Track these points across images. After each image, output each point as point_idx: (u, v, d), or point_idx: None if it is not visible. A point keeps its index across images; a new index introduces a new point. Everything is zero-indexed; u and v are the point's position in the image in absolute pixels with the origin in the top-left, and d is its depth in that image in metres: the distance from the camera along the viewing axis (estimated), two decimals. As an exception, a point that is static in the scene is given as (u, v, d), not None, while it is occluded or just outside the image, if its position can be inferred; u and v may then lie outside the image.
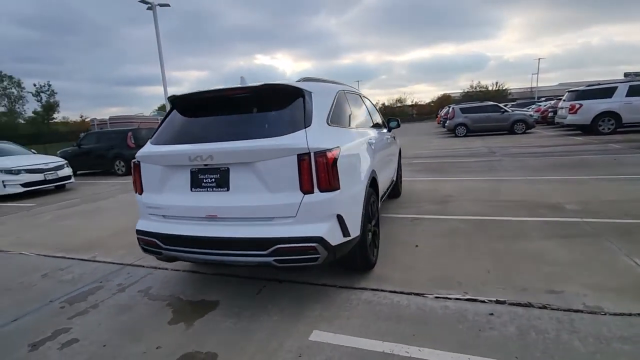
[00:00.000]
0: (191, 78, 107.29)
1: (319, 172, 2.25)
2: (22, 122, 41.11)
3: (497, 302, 2.45)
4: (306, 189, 2.25)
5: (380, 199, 3.58)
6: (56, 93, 40.73)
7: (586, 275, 2.75)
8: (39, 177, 8.13)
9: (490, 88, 52.82)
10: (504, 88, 52.57)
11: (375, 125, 4.59)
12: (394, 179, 5.16)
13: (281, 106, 2.46)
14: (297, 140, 2.24)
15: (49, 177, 8.33)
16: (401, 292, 2.68)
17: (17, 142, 10.39)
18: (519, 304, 2.40)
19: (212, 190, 2.42)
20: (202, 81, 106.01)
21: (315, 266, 2.34)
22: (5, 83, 38.76)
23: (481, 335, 2.11)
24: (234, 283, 3.04)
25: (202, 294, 2.89)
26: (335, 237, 2.35)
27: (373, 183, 3.18)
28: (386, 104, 56.87)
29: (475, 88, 53.58)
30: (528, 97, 44.28)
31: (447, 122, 18.06)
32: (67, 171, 8.94)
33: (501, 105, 17.86)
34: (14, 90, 39.17)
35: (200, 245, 2.41)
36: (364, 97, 4.30)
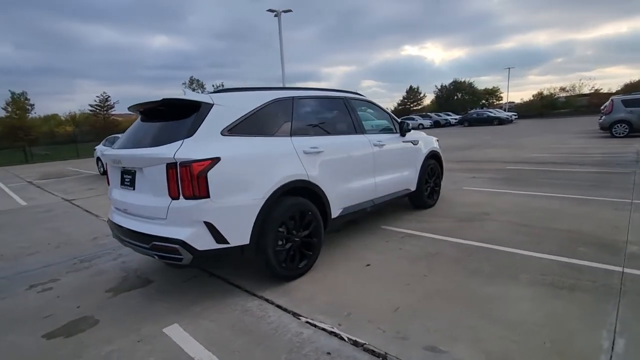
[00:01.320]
0: (339, 73, 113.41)
1: (183, 181, 2.43)
2: (203, 116, 52.40)
3: (355, 343, 2.15)
4: (173, 195, 2.48)
5: (336, 211, 3.41)
6: (227, 92, 49.92)
7: (512, 341, 2.07)
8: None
9: None
10: None
11: (385, 130, 4.32)
12: (411, 188, 4.66)
13: (177, 117, 2.72)
14: (169, 150, 2.47)
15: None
16: (284, 309, 2.61)
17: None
18: (372, 352, 2.06)
19: (127, 188, 2.90)
20: (349, 76, 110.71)
21: (184, 266, 2.55)
22: (194, 85, 49.72)
23: (290, 371, 1.95)
24: (183, 269, 3.49)
25: (152, 273, 3.44)
26: (202, 243, 2.50)
27: (306, 192, 3.10)
28: (545, 93, 46.86)
29: (692, 69, 38.96)
30: None
31: (603, 118, 14.10)
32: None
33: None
34: (199, 91, 49.91)
35: (121, 232, 2.92)
36: (353, 101, 4.01)
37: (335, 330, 2.29)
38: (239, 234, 2.65)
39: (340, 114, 3.79)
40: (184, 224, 2.49)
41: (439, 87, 55.05)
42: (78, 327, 2.55)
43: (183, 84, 49.17)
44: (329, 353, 2.07)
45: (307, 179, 3.08)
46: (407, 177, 4.55)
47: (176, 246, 2.46)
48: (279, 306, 2.66)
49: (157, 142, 2.64)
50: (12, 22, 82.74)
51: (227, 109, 2.78)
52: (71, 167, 17.24)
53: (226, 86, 48.86)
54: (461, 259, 3.29)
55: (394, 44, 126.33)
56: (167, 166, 2.47)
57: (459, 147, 14.02)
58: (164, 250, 2.52)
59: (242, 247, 2.67)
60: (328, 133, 3.53)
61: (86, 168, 15.46)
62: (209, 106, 2.70)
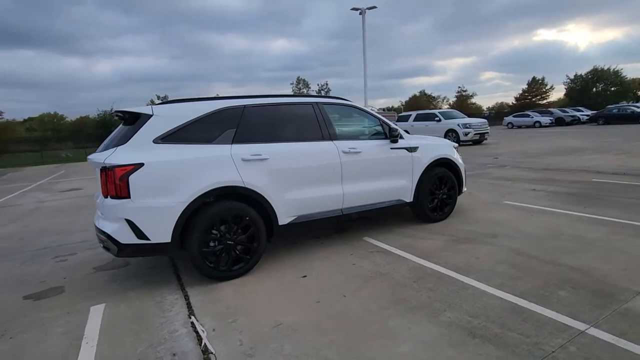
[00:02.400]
0: (454, 66, 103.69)
1: (109, 183, 2.82)
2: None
3: (205, 349, 2.21)
4: (104, 194, 2.90)
5: (285, 218, 3.42)
6: (330, 90, 51.83)
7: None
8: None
9: None
10: None
11: (374, 136, 4.17)
12: (405, 199, 4.27)
13: (128, 125, 3.12)
14: (103, 156, 2.89)
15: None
16: (189, 306, 2.79)
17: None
18: (208, 363, 2.09)
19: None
20: (465, 68, 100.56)
21: (117, 256, 2.97)
22: (300, 85, 53.06)
23: (132, 363, 2.14)
24: (160, 257, 3.98)
25: (134, 258, 4.01)
26: (124, 237, 2.86)
27: (243, 198, 3.21)
28: None
29: None
30: None
31: None
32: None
33: None
34: (304, 90, 52.99)
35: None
36: (328, 106, 3.86)
37: (203, 334, 2.37)
38: (160, 232, 2.93)
39: (304, 120, 3.71)
40: (112, 220, 2.90)
41: (571, 78, 46.50)
42: (48, 294, 3.20)
43: (291, 84, 52.98)
44: (174, 354, 2.19)
45: (242, 185, 3.17)
46: (396, 187, 4.18)
47: (105, 238, 2.88)
48: (188, 303, 2.85)
49: (106, 147, 3.11)
50: (170, 38, 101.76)
51: (165, 119, 3.08)
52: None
53: (331, 85, 50.63)
54: (402, 285, 2.94)
55: (525, 28, 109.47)
56: (100, 169, 2.90)
57: (561, 151, 11.79)
58: (100, 240, 2.98)
59: (164, 244, 2.95)
60: (281, 140, 3.52)
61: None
62: (148, 117, 3.04)
